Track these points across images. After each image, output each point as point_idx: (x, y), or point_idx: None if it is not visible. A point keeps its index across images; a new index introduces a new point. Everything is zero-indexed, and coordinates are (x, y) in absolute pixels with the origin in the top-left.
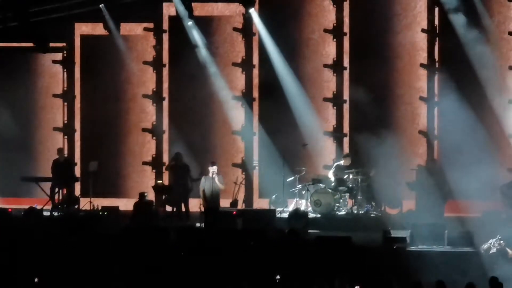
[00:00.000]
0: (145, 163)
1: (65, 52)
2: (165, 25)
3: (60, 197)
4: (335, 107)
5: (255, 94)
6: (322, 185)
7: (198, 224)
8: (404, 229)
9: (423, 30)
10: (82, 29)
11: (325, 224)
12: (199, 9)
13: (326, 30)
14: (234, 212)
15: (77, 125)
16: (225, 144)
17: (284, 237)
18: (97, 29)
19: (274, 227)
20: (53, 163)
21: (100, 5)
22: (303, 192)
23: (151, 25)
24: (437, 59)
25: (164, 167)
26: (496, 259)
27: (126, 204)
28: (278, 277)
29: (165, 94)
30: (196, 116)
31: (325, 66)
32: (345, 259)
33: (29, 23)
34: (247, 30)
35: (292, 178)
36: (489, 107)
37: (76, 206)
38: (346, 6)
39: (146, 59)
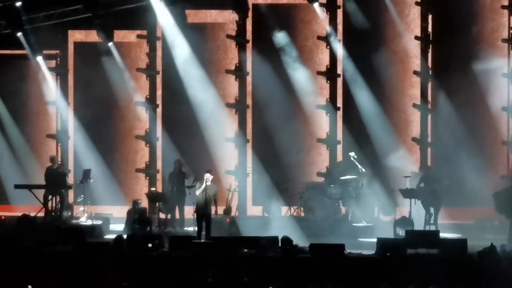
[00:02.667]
0: (138, 170)
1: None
2: (159, 32)
3: (54, 205)
4: (328, 114)
5: (249, 101)
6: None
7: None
8: (398, 236)
9: (416, 37)
10: (76, 36)
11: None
12: (193, 16)
13: (319, 37)
14: (228, 220)
15: (71, 132)
16: (218, 151)
17: (277, 246)
18: (91, 36)
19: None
20: (46, 171)
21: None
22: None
23: (144, 33)
24: (430, 66)
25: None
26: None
27: (119, 212)
28: None
29: (159, 101)
30: (189, 123)
31: (319, 73)
32: (339, 266)
33: (22, 30)
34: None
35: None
36: (482, 114)
37: (70, 214)
38: (340, 13)
39: (139, 66)
